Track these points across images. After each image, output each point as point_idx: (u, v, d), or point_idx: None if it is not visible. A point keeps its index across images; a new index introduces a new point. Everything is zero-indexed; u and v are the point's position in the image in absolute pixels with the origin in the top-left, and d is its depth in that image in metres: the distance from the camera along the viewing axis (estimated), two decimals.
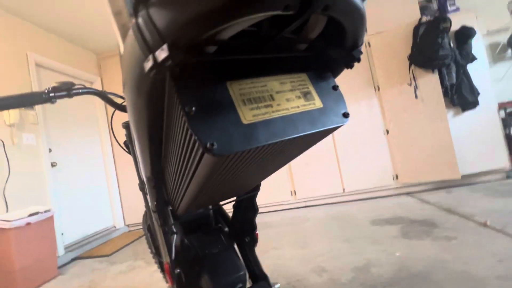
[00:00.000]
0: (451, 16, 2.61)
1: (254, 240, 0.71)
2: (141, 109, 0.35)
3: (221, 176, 0.37)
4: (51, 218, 2.12)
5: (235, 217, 0.72)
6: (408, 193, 2.73)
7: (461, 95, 2.65)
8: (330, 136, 2.86)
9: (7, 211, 2.03)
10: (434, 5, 2.98)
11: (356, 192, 2.84)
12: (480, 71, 2.72)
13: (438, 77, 2.59)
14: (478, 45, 2.75)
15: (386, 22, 2.73)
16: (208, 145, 0.27)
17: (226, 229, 0.75)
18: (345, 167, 2.83)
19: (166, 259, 0.59)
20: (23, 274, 1.88)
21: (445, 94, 2.66)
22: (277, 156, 0.39)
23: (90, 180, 3.02)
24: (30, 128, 2.35)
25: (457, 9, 2.88)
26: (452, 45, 2.60)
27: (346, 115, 0.38)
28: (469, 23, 2.70)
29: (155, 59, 0.25)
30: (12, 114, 2.14)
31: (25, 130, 2.30)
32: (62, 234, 2.47)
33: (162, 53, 0.24)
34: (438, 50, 2.46)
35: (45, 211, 2.05)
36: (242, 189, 0.59)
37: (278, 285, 0.65)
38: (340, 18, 0.29)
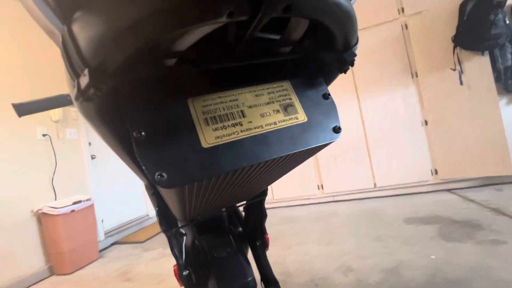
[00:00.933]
0: None
1: (264, 244, 0.69)
2: (98, 129, 0.32)
3: (197, 197, 0.33)
4: (92, 206, 2.31)
5: (246, 220, 0.70)
6: (449, 190, 2.49)
7: None
8: (360, 128, 2.70)
9: (55, 199, 2.26)
10: None
11: (389, 188, 2.66)
12: None
13: (489, 59, 2.28)
14: None
15: (425, 1, 2.46)
16: (156, 176, 0.23)
17: (240, 229, 0.73)
18: (377, 161, 2.66)
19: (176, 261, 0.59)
20: (70, 256, 2.10)
21: (498, 79, 2.33)
22: (261, 174, 0.33)
23: (125, 171, 3.24)
24: (72, 124, 2.57)
25: None
26: (508, 21, 2.25)
27: (337, 129, 0.31)
28: None
29: (79, 86, 0.22)
30: (56, 111, 2.35)
31: (68, 126, 2.52)
32: (102, 221, 2.69)
33: (83, 80, 0.21)
34: (490, 28, 2.15)
35: (87, 200, 2.25)
36: (242, 199, 0.56)
37: None
38: (316, 18, 0.24)
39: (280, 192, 3.01)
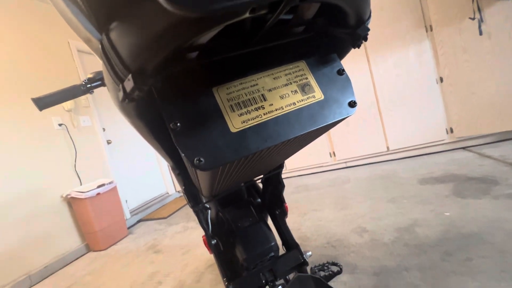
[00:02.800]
0: None
1: (283, 212, 0.73)
2: (135, 124, 0.35)
3: (226, 174, 0.36)
4: (115, 188, 2.45)
5: (265, 192, 0.74)
6: (465, 148, 2.45)
7: None
8: (371, 90, 2.62)
9: (80, 184, 2.40)
10: None
11: (403, 150, 2.64)
12: None
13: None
14: None
15: None
16: (195, 161, 0.26)
17: (259, 200, 0.77)
18: (389, 123, 2.61)
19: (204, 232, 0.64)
20: (102, 234, 2.28)
21: None
22: (281, 150, 0.36)
23: (141, 153, 3.35)
24: (84, 111, 2.63)
25: None
26: None
27: (352, 104, 0.33)
28: None
29: (124, 90, 0.24)
30: (68, 101, 2.39)
31: (80, 113, 2.58)
32: (126, 201, 2.86)
33: (128, 84, 0.23)
34: None
35: (109, 183, 2.38)
36: (262, 172, 0.60)
37: (310, 253, 0.67)
38: (330, 2, 0.24)
39: (293, 162, 3.05)
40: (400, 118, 2.57)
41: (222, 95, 0.29)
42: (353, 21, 0.30)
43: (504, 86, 2.17)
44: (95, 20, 0.24)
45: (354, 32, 0.31)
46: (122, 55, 0.23)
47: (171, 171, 0.65)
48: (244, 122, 0.29)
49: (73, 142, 2.42)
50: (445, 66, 2.36)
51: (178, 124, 0.27)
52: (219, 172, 0.32)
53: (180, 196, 3.62)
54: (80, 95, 0.78)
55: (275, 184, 0.68)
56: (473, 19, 2.19)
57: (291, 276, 0.77)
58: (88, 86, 0.79)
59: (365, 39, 0.31)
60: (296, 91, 0.31)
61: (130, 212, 2.88)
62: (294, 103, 0.31)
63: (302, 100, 0.31)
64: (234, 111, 0.29)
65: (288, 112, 0.30)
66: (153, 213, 3.01)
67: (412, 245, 1.24)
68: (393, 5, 2.43)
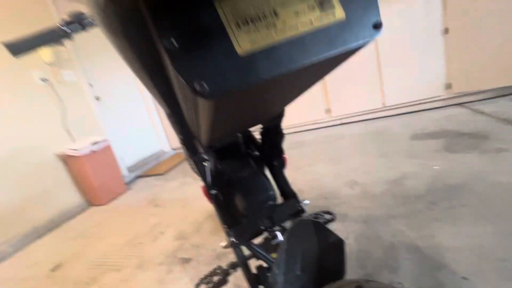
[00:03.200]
0: None
1: (282, 163, 0.73)
2: (121, 48, 0.30)
3: (228, 111, 0.33)
4: (109, 146, 2.43)
5: (264, 142, 0.73)
6: (461, 104, 2.45)
7: None
8: (372, 44, 2.48)
9: (73, 141, 2.37)
10: None
11: (398, 106, 2.63)
12: None
13: None
14: None
15: None
16: (196, 86, 0.22)
17: (257, 153, 0.77)
18: (387, 79, 2.55)
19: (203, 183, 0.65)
20: (101, 190, 2.34)
21: None
22: (293, 82, 0.32)
23: (132, 110, 3.26)
24: (67, 65, 2.46)
25: None
26: None
27: (377, 25, 0.28)
28: None
29: None
30: (46, 53, 2.21)
31: (63, 67, 2.41)
32: (122, 158, 2.87)
33: None
34: None
35: (103, 141, 2.35)
36: (263, 117, 0.56)
37: (307, 201, 0.69)
38: None
39: (288, 119, 3.02)
40: (399, 73, 2.50)
41: (226, 8, 0.24)
42: None
43: (511, 39, 2.08)
44: None
45: None
46: None
47: (168, 119, 0.61)
48: (252, 42, 0.24)
49: (59, 98, 2.31)
50: (452, 15, 2.21)
51: (173, 40, 0.23)
52: (221, 107, 0.29)
53: (176, 154, 3.66)
54: (58, 40, 0.70)
55: (274, 134, 0.67)
56: None
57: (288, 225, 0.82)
58: (65, 29, 0.71)
59: None
60: (313, 7, 0.26)
61: (128, 169, 2.92)
62: (311, 22, 0.26)
63: (319, 18, 0.26)
64: (240, 28, 0.24)
65: (303, 32, 0.26)
66: (150, 169, 3.06)
67: (400, 196, 1.31)
68: None
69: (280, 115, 0.60)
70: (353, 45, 0.27)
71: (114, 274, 1.29)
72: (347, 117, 2.85)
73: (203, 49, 0.23)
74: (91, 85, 2.69)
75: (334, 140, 2.43)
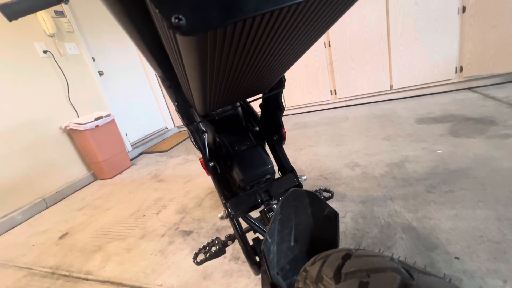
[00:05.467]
0: None
1: (281, 137, 0.72)
2: (117, 14, 0.29)
3: (218, 70, 0.29)
4: (113, 121, 2.45)
5: (263, 116, 0.71)
6: (470, 88, 2.37)
7: None
8: (384, 22, 2.37)
9: (77, 116, 2.38)
10: None
11: (406, 89, 2.56)
12: None
13: None
14: None
15: None
16: (173, 19, 0.19)
17: (256, 128, 0.77)
18: (397, 60, 2.46)
19: (201, 154, 0.65)
20: (106, 164, 2.38)
21: None
22: (289, 30, 0.27)
23: (136, 86, 3.23)
24: (69, 37, 2.41)
25: None
26: None
27: None
28: None
29: None
30: (48, 24, 2.16)
31: (65, 40, 2.37)
32: (126, 134, 2.90)
33: None
34: None
35: (107, 115, 2.36)
36: (261, 86, 0.52)
37: (305, 177, 0.70)
38: None
39: (292, 100, 2.99)
40: (409, 54, 2.40)
41: None
42: None
43: None
44: None
45: None
46: None
47: (161, 84, 0.58)
48: None
49: (62, 72, 2.30)
50: None
51: None
52: (208, 53, 0.24)
53: (180, 131, 3.67)
54: (53, 4, 0.67)
55: (273, 107, 0.65)
56: None
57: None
58: None
59: None
60: None
61: (131, 145, 2.96)
62: None
63: None
64: None
65: None
66: (153, 146, 3.10)
67: (400, 179, 1.31)
68: None
69: (280, 85, 0.58)
70: None
71: (118, 243, 1.35)
72: (353, 99, 2.80)
73: None
74: (93, 59, 2.65)
75: (338, 122, 2.41)
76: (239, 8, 0.20)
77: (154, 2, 0.19)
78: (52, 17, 2.21)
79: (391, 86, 2.57)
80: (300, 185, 0.67)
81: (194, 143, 0.61)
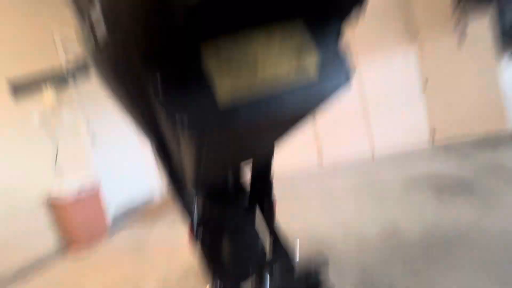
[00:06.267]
0: None
1: (272, 201, 0.71)
2: (112, 86, 0.32)
3: (212, 152, 0.32)
4: (97, 188, 2.37)
5: (253, 181, 0.71)
6: (446, 150, 2.55)
7: None
8: (358, 90, 2.68)
9: (60, 182, 2.30)
10: None
11: (388, 152, 2.72)
12: None
13: (492, 18, 2.20)
14: None
15: None
16: (177, 117, 0.23)
17: (247, 190, 0.75)
18: (375, 126, 2.69)
19: (187, 225, 0.62)
20: (83, 236, 2.19)
21: (499, 37, 2.27)
22: (273, 128, 0.32)
23: (127, 150, 3.25)
24: (67, 105, 2.52)
25: None
26: None
27: (348, 76, 0.30)
28: None
29: (95, 36, 0.22)
30: (49, 96, 2.29)
31: (63, 107, 2.47)
32: (109, 200, 2.76)
33: (99, 29, 0.21)
34: None
35: (92, 182, 2.29)
36: (251, 155, 0.54)
37: (297, 241, 0.66)
38: None
39: (280, 162, 3.05)
40: (386, 120, 2.65)
41: (211, 53, 0.25)
42: None
43: (484, 91, 2.29)
44: None
45: None
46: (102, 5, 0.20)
47: (153, 154, 0.60)
48: (233, 88, 0.24)
49: (54, 135, 2.31)
50: (429, 70, 2.46)
51: (160, 77, 0.23)
52: (204, 145, 0.28)
53: (166, 199, 3.55)
54: (61, 81, 0.73)
55: (264, 172, 0.66)
56: (455, 30, 2.30)
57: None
58: (70, 71, 0.75)
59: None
60: (290, 56, 0.27)
61: (114, 213, 2.79)
62: (288, 71, 0.27)
63: (297, 68, 0.27)
64: (222, 74, 0.25)
65: (281, 80, 0.26)
66: (137, 214, 2.93)
67: (394, 245, 1.27)
68: (381, 12, 2.50)
69: (270, 152, 0.60)
70: (327, 93, 0.29)
71: None
72: (339, 163, 2.90)
73: (187, 86, 0.24)
74: (88, 122, 2.72)
75: (327, 186, 2.43)
76: (231, 119, 0.24)
77: (163, 103, 0.23)
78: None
79: (373, 150, 2.73)
80: (293, 268, 0.63)
81: (182, 207, 0.59)
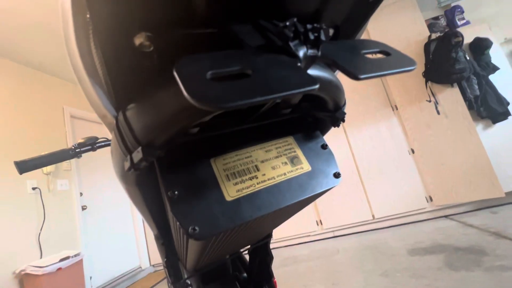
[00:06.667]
0: (462, 30, 2.59)
1: (272, 285, 0.67)
2: (131, 191, 0.37)
3: (216, 245, 0.36)
4: (80, 262, 2.16)
5: (252, 264, 0.69)
6: (446, 216, 2.49)
7: (489, 107, 2.51)
8: (351, 160, 2.77)
9: (41, 256, 2.11)
10: (442, 21, 2.98)
11: (388, 218, 2.64)
12: (505, 81, 2.60)
13: (459, 91, 2.50)
14: (497, 55, 2.67)
15: (395, 43, 2.75)
16: (190, 230, 0.26)
17: (245, 275, 0.71)
18: (372, 192, 2.68)
19: None
20: None
21: (470, 107, 2.54)
22: (272, 218, 0.38)
23: (117, 221, 3.10)
24: (64, 175, 2.53)
25: (467, 22, 2.86)
26: (468, 57, 2.53)
27: (337, 175, 0.36)
28: (483, 34, 2.65)
29: (132, 160, 0.27)
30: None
31: (59, 177, 2.47)
32: (91, 278, 2.49)
33: (137, 155, 0.26)
34: (454, 64, 2.40)
35: (75, 255, 2.11)
36: (249, 241, 0.58)
37: None
38: (311, 93, 0.30)
39: (280, 232, 2.91)
40: (381, 186, 2.66)
41: (219, 165, 0.31)
42: (332, 106, 0.36)
43: (468, 159, 2.39)
44: (114, 101, 0.28)
45: (333, 115, 0.36)
46: (135, 130, 0.26)
47: (155, 241, 0.61)
48: (238, 191, 0.30)
49: (43, 207, 2.24)
50: (413, 140, 2.61)
51: (176, 192, 0.28)
52: (211, 242, 0.32)
53: (154, 272, 3.21)
54: (67, 159, 0.77)
55: (262, 255, 0.64)
56: (430, 101, 2.56)
57: None
58: (77, 150, 0.80)
59: (343, 120, 0.37)
60: (286, 163, 0.34)
61: (97, 285, 2.47)
62: (285, 174, 0.33)
63: (291, 171, 0.34)
64: (229, 180, 0.30)
65: (279, 182, 0.32)
66: None
67: None
68: (363, 87, 2.82)
69: (268, 236, 0.61)
70: (319, 191, 0.34)
71: None
72: (339, 229, 2.78)
73: (198, 198, 0.29)
74: (81, 193, 2.68)
75: (329, 255, 2.27)
76: (239, 217, 0.29)
77: (176, 216, 0.27)
78: None
79: (373, 216, 2.66)
80: None
81: None
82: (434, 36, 2.59)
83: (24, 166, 0.72)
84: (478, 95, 2.51)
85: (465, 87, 2.50)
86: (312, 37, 0.23)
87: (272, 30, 0.24)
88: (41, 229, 2.18)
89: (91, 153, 0.89)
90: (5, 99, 2.23)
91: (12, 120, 2.23)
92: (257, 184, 0.31)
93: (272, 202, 0.31)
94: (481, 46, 2.62)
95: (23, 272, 1.92)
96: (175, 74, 0.18)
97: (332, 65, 0.24)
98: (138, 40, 0.25)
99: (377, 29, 2.80)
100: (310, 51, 0.23)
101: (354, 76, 0.21)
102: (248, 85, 0.18)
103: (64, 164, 2.54)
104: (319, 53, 0.23)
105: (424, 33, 2.68)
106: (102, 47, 0.24)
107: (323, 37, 0.23)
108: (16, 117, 2.27)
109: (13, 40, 2.21)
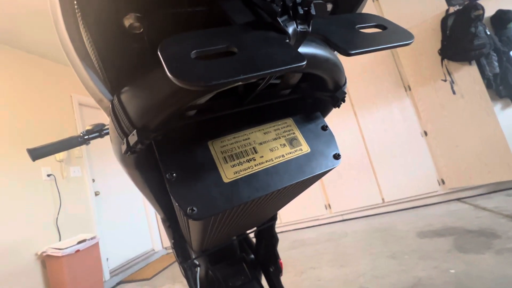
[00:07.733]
0: (483, 2, 2.40)
1: (278, 269, 0.68)
2: (132, 175, 0.37)
3: (218, 226, 0.36)
4: (97, 245, 2.27)
5: (258, 247, 0.70)
6: (459, 199, 2.44)
7: (509, 85, 2.37)
8: (361, 143, 2.72)
9: (59, 239, 2.22)
10: None
11: (398, 202, 2.61)
12: None
13: (477, 68, 2.36)
14: None
15: (409, 18, 2.60)
16: (188, 210, 0.27)
17: (252, 256, 0.73)
18: (382, 175, 2.64)
19: None
20: None
21: (489, 85, 2.40)
22: (273, 201, 0.37)
23: (129, 206, 3.21)
24: (76, 161, 2.60)
25: None
26: (488, 32, 2.36)
27: (337, 156, 0.35)
28: (506, 6, 2.46)
29: (128, 143, 0.27)
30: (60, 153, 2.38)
31: (72, 164, 2.55)
32: (107, 259, 2.62)
33: (132, 138, 0.26)
34: (473, 40, 2.25)
35: (91, 238, 2.21)
36: (254, 224, 0.58)
37: None
38: (310, 72, 0.29)
39: (288, 215, 2.95)
40: (391, 169, 2.61)
41: (217, 148, 0.31)
42: (332, 86, 0.34)
43: (485, 140, 2.30)
44: (109, 84, 0.28)
45: (333, 95, 0.35)
46: (130, 114, 0.26)
47: (162, 223, 0.63)
48: (236, 172, 0.30)
49: (59, 193, 2.33)
50: (426, 121, 2.52)
51: (174, 174, 0.28)
52: (210, 223, 0.32)
53: (167, 254, 3.35)
54: (76, 146, 0.79)
55: (268, 237, 0.65)
56: (445, 80, 2.44)
57: None
58: (85, 137, 0.81)
59: (343, 100, 0.36)
60: (284, 145, 0.34)
61: (110, 272, 2.60)
62: (283, 155, 0.33)
63: (290, 153, 0.33)
64: (227, 162, 0.30)
65: (277, 164, 0.32)
66: (135, 273, 2.73)
67: None
68: (374, 67, 2.71)
69: (273, 218, 0.61)
70: (318, 172, 0.33)
71: None
72: (348, 213, 2.78)
73: (196, 179, 0.29)
74: (93, 180, 2.76)
75: (337, 238, 2.29)
76: (236, 198, 0.29)
77: (174, 197, 0.27)
78: None
79: (382, 199, 2.63)
80: None
81: (187, 281, 0.58)
82: (452, 9, 2.42)
83: (36, 153, 0.74)
84: (498, 72, 2.37)
85: (483, 65, 2.36)
86: (301, 11, 0.21)
87: (261, 5, 0.23)
88: (58, 214, 2.28)
89: (100, 140, 0.90)
90: (17, 89, 2.27)
91: (25, 110, 2.28)
92: (255, 166, 0.31)
93: (270, 184, 0.30)
94: (503, 19, 2.43)
95: (44, 254, 2.04)
96: (159, 54, 0.18)
97: (323, 41, 0.23)
98: (128, 21, 0.25)
99: (390, 3, 2.64)
100: (300, 27, 0.22)
101: (344, 51, 0.21)
102: (233, 63, 0.18)
103: (76, 151, 2.61)
104: (310, 29, 0.22)
105: (441, 7, 2.50)
106: (92, 29, 0.24)
107: (313, 12, 0.22)
108: (29, 107, 2.32)
109: (19, 27, 2.21)
